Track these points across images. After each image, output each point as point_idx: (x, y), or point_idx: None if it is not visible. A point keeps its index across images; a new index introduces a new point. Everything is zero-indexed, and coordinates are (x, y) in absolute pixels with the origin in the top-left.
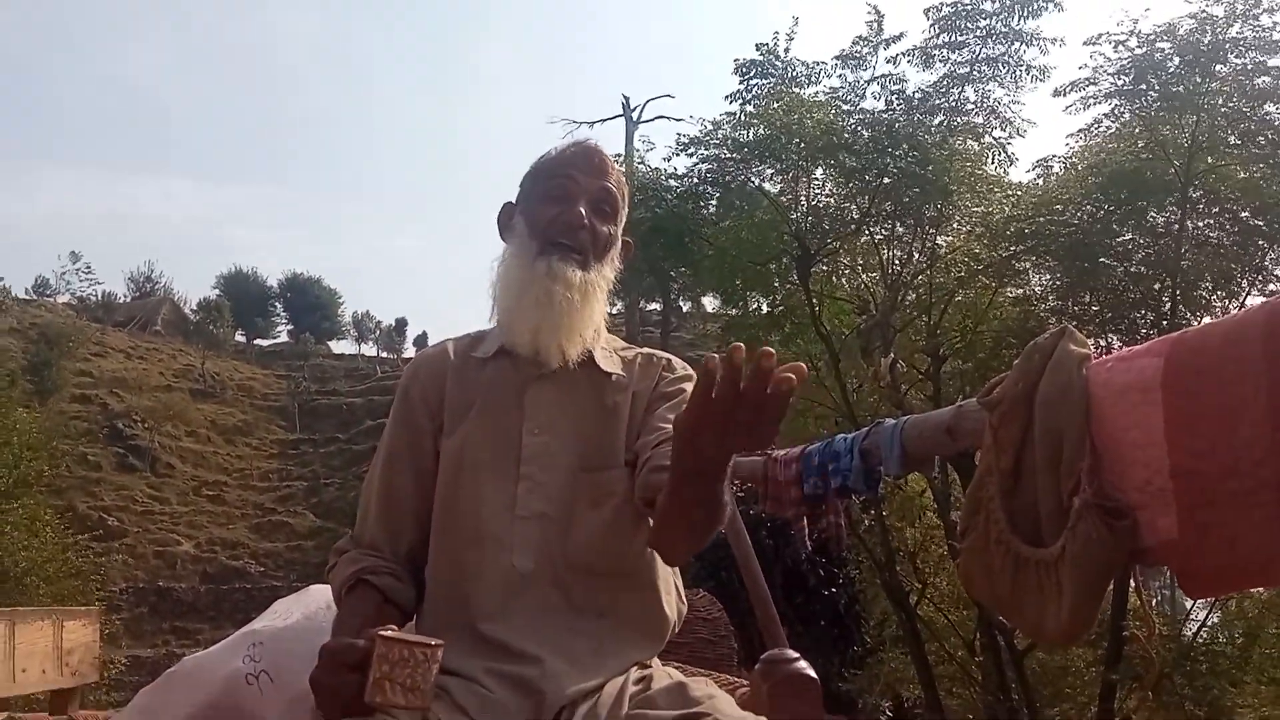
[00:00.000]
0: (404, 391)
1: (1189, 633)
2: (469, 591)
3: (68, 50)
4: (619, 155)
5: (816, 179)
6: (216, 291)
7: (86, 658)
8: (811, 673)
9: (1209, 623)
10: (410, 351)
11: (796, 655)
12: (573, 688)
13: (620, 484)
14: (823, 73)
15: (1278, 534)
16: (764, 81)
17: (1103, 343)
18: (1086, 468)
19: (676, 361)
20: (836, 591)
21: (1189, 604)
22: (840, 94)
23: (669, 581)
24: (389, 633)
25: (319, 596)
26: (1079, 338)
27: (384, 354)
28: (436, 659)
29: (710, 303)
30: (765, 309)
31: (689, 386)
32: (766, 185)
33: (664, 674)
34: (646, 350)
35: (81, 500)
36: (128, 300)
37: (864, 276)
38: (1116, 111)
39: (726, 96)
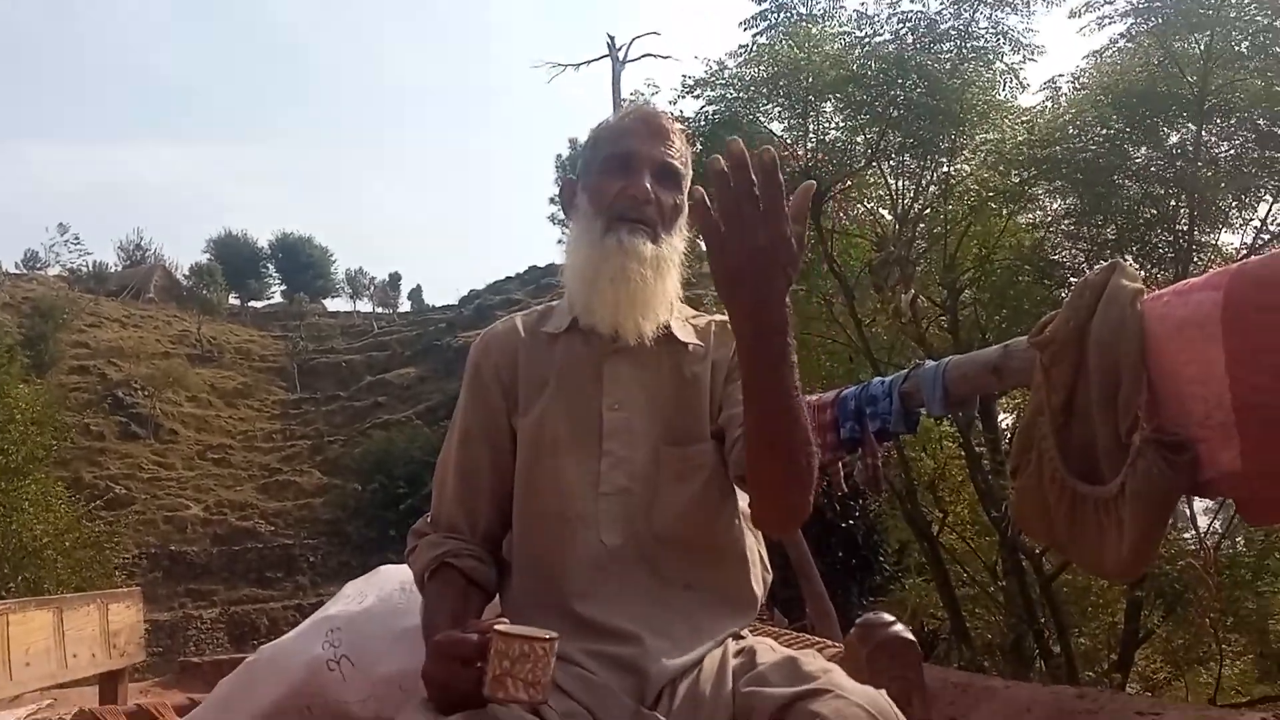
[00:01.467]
0: (474, 369)
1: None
2: (557, 571)
3: (50, 18)
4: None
5: (825, 113)
6: (207, 256)
7: (133, 638)
8: (910, 635)
9: (1214, 532)
10: (405, 305)
11: (893, 619)
12: (673, 664)
13: (707, 457)
14: (840, 7)
15: None
16: (780, 14)
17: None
18: (1145, 404)
19: None
20: (854, 523)
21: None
22: (858, 26)
23: (755, 554)
24: (505, 628)
25: (391, 577)
26: (1130, 272)
27: (379, 309)
28: (554, 652)
29: None
30: None
31: None
32: (774, 125)
33: (765, 646)
34: (720, 318)
35: (87, 470)
36: (119, 269)
37: (866, 208)
38: (1132, 30)
39: (741, 23)
